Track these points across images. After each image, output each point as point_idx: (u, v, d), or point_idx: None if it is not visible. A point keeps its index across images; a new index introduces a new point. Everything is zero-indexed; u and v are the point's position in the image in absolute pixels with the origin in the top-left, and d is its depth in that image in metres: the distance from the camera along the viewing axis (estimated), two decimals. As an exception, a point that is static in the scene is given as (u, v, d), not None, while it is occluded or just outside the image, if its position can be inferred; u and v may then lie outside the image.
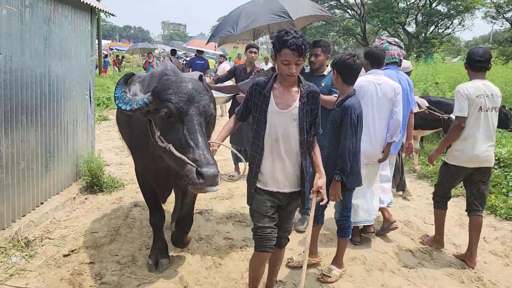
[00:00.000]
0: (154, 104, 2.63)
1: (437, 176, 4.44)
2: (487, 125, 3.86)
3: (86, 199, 5.21)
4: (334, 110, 3.38)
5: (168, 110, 2.58)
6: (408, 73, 5.40)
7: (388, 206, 4.56)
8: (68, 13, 4.93)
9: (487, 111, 3.84)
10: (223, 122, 3.52)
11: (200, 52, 12.87)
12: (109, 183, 5.56)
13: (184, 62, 15.30)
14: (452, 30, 36.16)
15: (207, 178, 2.41)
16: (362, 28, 36.79)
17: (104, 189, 5.46)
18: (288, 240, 3.07)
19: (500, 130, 7.72)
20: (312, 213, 2.84)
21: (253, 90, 2.81)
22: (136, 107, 2.63)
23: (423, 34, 33.52)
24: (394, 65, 4.58)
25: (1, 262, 3.53)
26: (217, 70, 13.85)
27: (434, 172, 6.62)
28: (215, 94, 4.64)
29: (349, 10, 38.65)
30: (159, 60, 24.85)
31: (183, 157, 2.48)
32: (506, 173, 5.91)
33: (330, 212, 3.97)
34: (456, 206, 5.57)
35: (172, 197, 4.12)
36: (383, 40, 4.71)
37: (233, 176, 6.16)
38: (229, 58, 27.58)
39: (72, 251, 3.84)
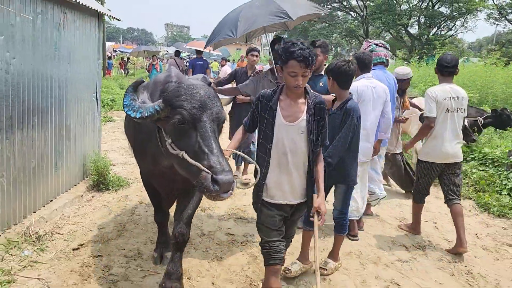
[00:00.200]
0: (165, 111, 2.55)
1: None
2: (454, 124, 4.29)
3: (93, 197, 5.41)
4: (335, 114, 3.47)
5: (181, 117, 2.50)
6: (409, 80, 5.58)
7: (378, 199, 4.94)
8: (77, 18, 5.14)
9: (453, 112, 4.26)
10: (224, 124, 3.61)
11: (199, 52, 12.93)
12: (115, 182, 5.76)
13: (187, 64, 15.50)
14: (455, 32, 36.33)
15: (222, 185, 2.33)
16: (365, 30, 36.95)
17: (110, 188, 5.66)
18: (290, 242, 3.18)
19: (497, 130, 7.91)
20: (315, 234, 2.80)
21: (259, 103, 2.78)
22: (146, 115, 2.54)
23: (425, 36, 33.64)
24: (381, 65, 4.88)
25: (14, 255, 3.73)
26: (219, 72, 14.00)
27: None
28: None
29: (351, 12, 38.85)
30: (162, 62, 25.09)
31: (197, 164, 2.40)
32: (499, 172, 6.09)
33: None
34: (451, 204, 5.75)
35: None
36: (370, 42, 5.04)
37: (248, 182, 6.23)
38: (233, 60, 27.62)
39: (81, 245, 4.04)
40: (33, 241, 3.99)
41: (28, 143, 4.25)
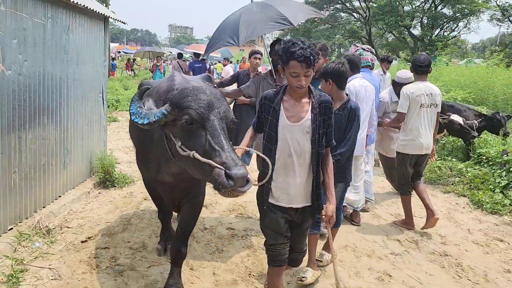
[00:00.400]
0: (172, 114, 2.54)
1: (430, 175, 5.34)
2: (427, 119, 4.73)
3: (99, 193, 5.63)
4: (337, 114, 3.50)
5: (189, 117, 2.48)
6: (410, 84, 5.76)
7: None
8: (84, 22, 5.36)
9: (427, 107, 4.69)
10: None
11: (196, 55, 13.20)
12: (121, 179, 5.98)
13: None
14: (458, 33, 36.37)
15: (236, 179, 2.29)
16: (368, 31, 37.09)
17: (116, 185, 5.87)
18: (303, 258, 3.07)
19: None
20: (331, 243, 2.95)
21: (262, 104, 2.74)
22: (154, 120, 2.51)
23: (428, 37, 33.73)
24: (367, 68, 5.23)
25: (26, 246, 3.94)
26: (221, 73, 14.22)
27: (428, 170, 6.95)
28: None
29: (354, 13, 38.98)
30: (166, 63, 25.32)
31: (209, 161, 2.37)
32: (493, 171, 6.25)
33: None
34: (446, 201, 5.94)
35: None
36: (357, 47, 5.38)
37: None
38: (237, 61, 27.68)
39: (89, 238, 4.25)
40: (43, 234, 4.20)
41: (39, 141, 4.47)
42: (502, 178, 5.98)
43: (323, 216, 2.72)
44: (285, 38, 22.74)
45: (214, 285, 3.54)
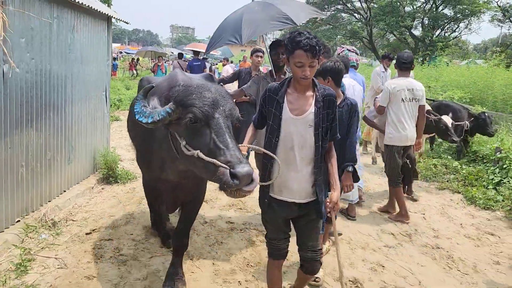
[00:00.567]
0: (176, 113, 2.50)
1: (426, 173, 5.59)
2: (410, 112, 5.03)
3: (102, 188, 5.79)
4: (338, 111, 3.38)
5: (193, 115, 2.44)
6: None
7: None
8: (89, 22, 5.53)
9: (408, 101, 5.00)
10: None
11: (196, 53, 13.16)
12: (123, 175, 6.13)
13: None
14: (459, 34, 36.43)
15: (241, 178, 2.25)
16: (369, 32, 37.21)
17: (118, 181, 6.03)
18: (321, 264, 2.89)
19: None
20: (335, 231, 2.93)
21: (266, 97, 2.72)
22: (158, 118, 2.47)
23: (429, 38, 33.81)
24: (352, 68, 5.50)
25: (33, 238, 4.10)
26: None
27: (424, 168, 7.10)
28: None
29: (355, 14, 39.10)
30: (167, 63, 25.47)
31: (213, 160, 2.33)
32: (487, 168, 6.40)
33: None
34: (440, 198, 6.08)
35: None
36: (343, 48, 5.65)
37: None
38: (239, 61, 27.73)
39: (93, 230, 4.41)
40: (49, 227, 4.36)
41: (45, 137, 4.63)
42: (495, 175, 6.13)
43: (328, 203, 2.68)
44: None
45: (214, 274, 3.70)
